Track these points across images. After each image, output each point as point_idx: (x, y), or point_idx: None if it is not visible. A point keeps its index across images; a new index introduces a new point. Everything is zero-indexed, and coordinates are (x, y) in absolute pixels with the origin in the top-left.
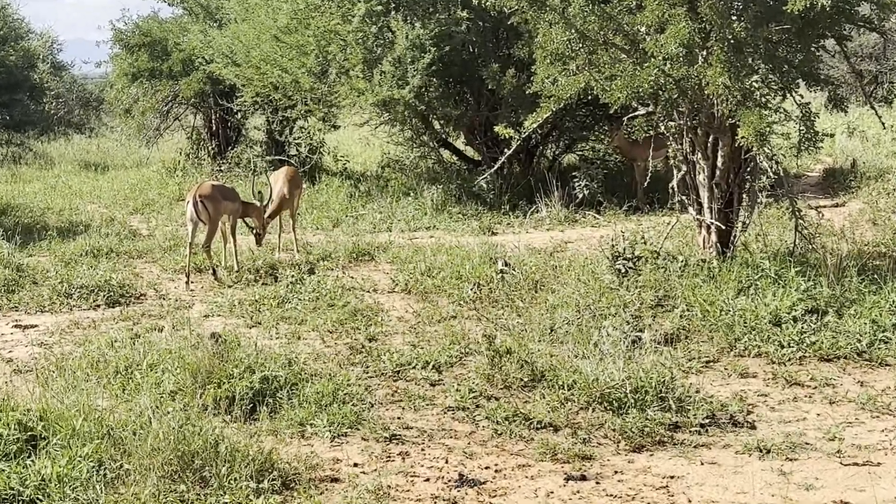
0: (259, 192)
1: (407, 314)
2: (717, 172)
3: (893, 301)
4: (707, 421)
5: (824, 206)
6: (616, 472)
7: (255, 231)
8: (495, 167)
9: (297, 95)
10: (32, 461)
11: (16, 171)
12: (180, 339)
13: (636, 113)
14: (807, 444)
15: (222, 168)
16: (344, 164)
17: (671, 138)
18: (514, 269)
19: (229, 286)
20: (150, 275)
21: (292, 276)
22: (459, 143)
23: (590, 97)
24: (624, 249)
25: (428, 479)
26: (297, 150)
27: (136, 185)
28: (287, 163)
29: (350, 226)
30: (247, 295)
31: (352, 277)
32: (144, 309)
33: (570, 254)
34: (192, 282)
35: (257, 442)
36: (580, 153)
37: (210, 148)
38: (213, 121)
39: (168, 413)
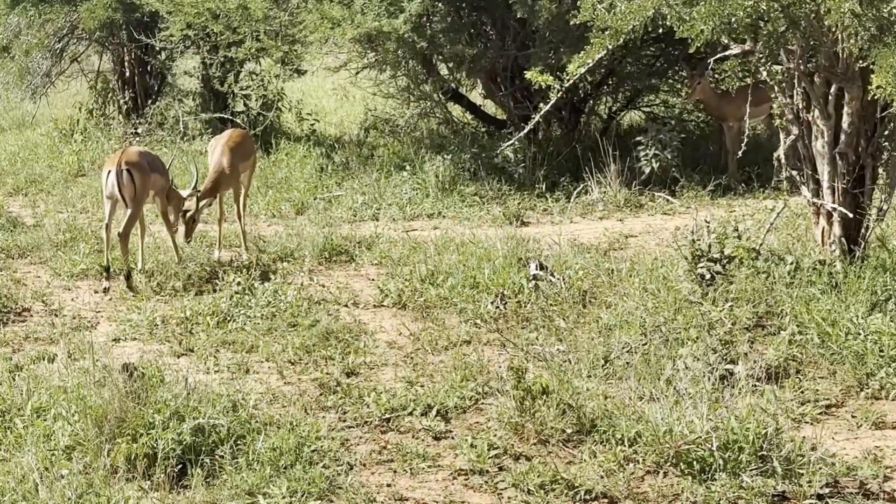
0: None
1: (400, 338)
2: (843, 137)
3: None
4: (827, 490)
5: None
6: None
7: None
8: (526, 129)
9: (246, 27)
10: None
11: None
12: (79, 372)
13: (726, 53)
14: None
15: (139, 131)
16: (311, 124)
17: (776, 89)
18: (552, 275)
19: (148, 297)
20: (37, 282)
21: (238, 283)
22: (476, 96)
23: (661, 31)
24: (709, 247)
25: None
26: (246, 106)
27: (16, 154)
28: (232, 123)
29: (320, 212)
30: (173, 310)
31: (322, 286)
32: (28, 330)
33: (633, 252)
34: (107, 287)
35: None
36: (647, 110)
37: (122, 102)
38: (127, 64)
39: (62, 478)
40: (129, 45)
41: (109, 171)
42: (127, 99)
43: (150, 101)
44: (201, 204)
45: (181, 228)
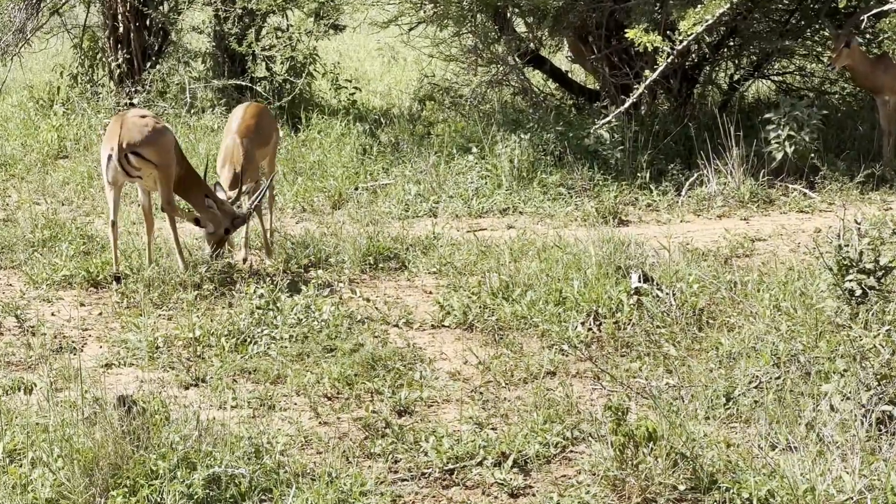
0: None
1: (466, 367)
2: None
3: None
4: None
5: None
6: None
7: (197, 219)
8: (627, 103)
9: None
10: None
11: None
12: (63, 406)
13: (885, 7)
14: None
15: (134, 101)
16: (352, 93)
17: None
18: (659, 288)
19: (149, 311)
20: (9, 291)
21: (260, 295)
22: (561, 60)
23: None
24: (860, 255)
25: None
26: (269, 70)
27: None
28: (252, 93)
29: (363, 206)
30: (180, 328)
31: (366, 300)
32: (0, 352)
33: (762, 260)
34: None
35: None
36: (778, 79)
37: (114, 65)
38: (121, 17)
39: None
40: None
41: (108, 150)
42: (120, 61)
43: (148, 65)
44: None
45: (206, 247)
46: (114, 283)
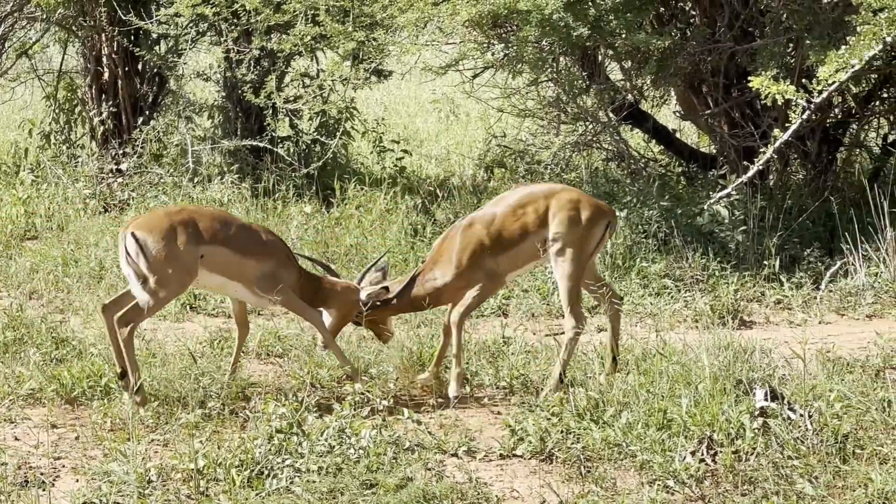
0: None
1: None
2: None
3: None
4: None
5: None
6: None
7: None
8: (751, 171)
9: (297, 2)
10: None
11: None
12: None
13: None
14: None
15: (122, 167)
16: (399, 158)
17: None
18: (791, 409)
19: (138, 434)
20: None
21: (281, 416)
22: (667, 116)
23: None
24: None
25: None
26: (294, 128)
27: None
28: (272, 157)
29: None
30: (178, 457)
31: (417, 422)
32: None
33: None
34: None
35: None
36: None
37: (97, 120)
38: (107, 60)
39: None
40: (109, 29)
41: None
42: (105, 116)
43: (140, 120)
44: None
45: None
46: (120, 381)
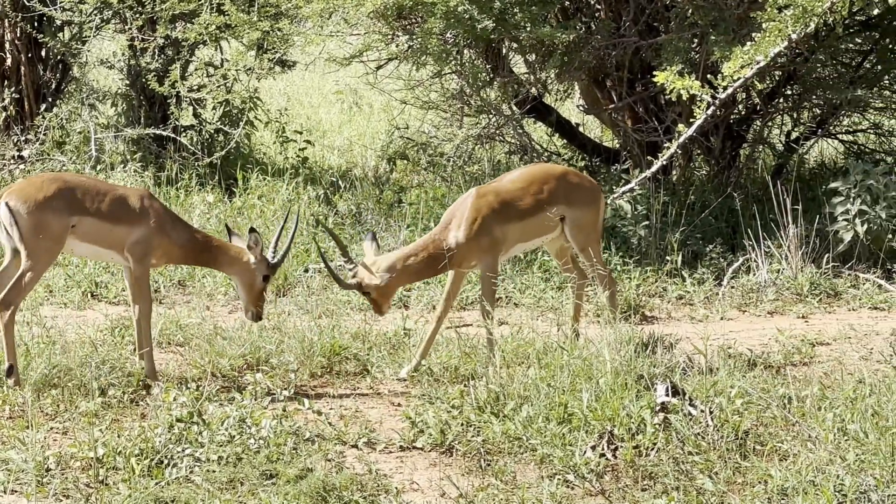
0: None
1: (444, 502)
2: None
3: None
4: None
5: None
6: None
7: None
8: (655, 166)
9: None
10: None
11: None
12: None
13: None
14: None
15: (24, 153)
16: (302, 148)
17: None
18: (692, 404)
19: (37, 422)
20: None
21: (182, 405)
22: (570, 110)
23: (875, 11)
24: None
25: None
26: (197, 117)
27: None
28: (175, 145)
29: (314, 293)
30: (77, 446)
31: (318, 413)
32: None
33: (824, 370)
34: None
35: None
36: (848, 139)
37: (0, 105)
38: (9, 46)
39: None
40: (13, 15)
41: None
42: (7, 102)
43: (43, 107)
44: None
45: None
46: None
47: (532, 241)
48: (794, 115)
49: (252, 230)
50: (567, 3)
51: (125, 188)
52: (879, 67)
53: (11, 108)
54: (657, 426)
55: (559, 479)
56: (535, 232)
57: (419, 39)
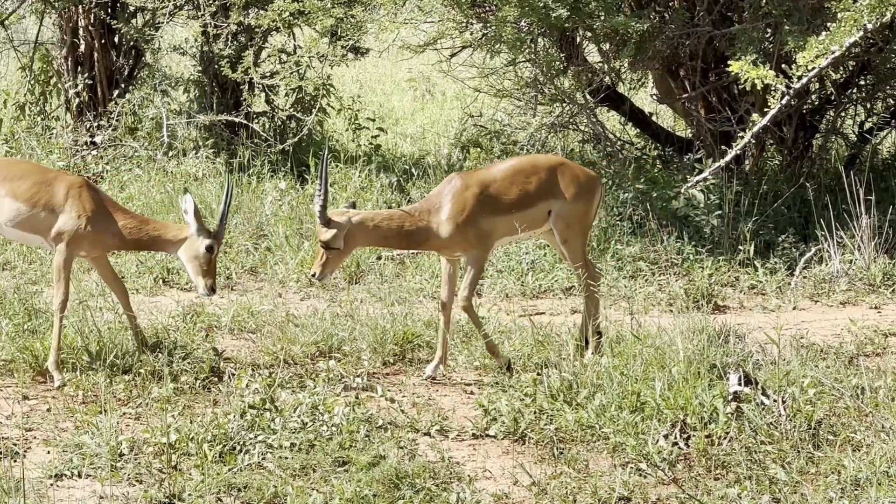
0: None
1: (517, 489)
2: None
3: None
4: None
5: None
6: None
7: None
8: (728, 156)
9: None
10: None
11: None
12: None
13: None
14: None
15: (97, 139)
16: (375, 136)
17: None
18: (765, 394)
19: (111, 406)
20: None
21: (255, 391)
22: (644, 99)
23: None
24: None
25: None
26: (270, 104)
27: None
28: (248, 132)
29: (387, 281)
30: (150, 431)
31: (391, 400)
32: None
33: None
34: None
35: None
36: None
37: (73, 92)
38: (83, 31)
39: None
40: (86, 1)
41: None
42: (80, 88)
43: (116, 93)
44: None
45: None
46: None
47: (518, 235)
48: (868, 106)
49: (185, 190)
50: None
51: (58, 174)
52: None
53: (84, 94)
54: (729, 415)
55: (631, 467)
56: (523, 225)
57: (493, 27)
